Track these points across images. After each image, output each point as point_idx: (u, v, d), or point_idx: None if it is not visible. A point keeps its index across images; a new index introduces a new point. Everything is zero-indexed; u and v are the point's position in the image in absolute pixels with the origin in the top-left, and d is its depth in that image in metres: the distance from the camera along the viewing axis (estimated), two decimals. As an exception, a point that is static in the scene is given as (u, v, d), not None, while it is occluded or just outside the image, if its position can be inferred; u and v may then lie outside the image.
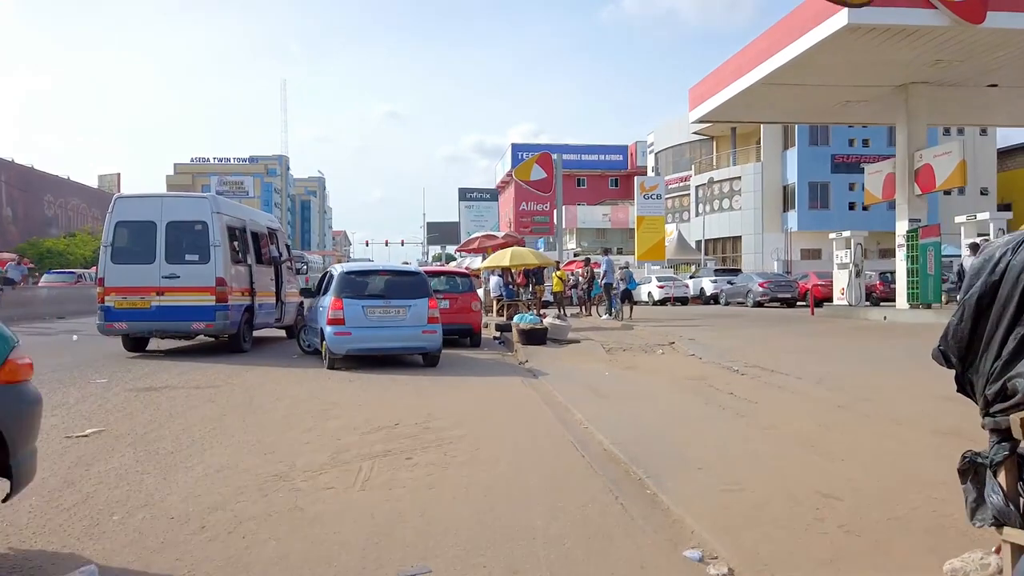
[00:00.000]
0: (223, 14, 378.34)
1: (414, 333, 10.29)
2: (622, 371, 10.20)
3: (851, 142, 45.07)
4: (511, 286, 17.79)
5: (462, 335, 13.84)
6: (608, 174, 72.06)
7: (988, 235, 16.56)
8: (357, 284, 10.45)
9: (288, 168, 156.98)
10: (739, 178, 47.39)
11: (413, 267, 11.41)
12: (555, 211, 37.70)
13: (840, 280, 20.36)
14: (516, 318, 13.22)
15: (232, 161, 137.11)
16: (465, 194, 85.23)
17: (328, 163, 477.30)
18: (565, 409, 7.28)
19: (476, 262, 25.24)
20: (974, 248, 13.00)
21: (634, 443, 5.59)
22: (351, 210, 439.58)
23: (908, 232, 17.52)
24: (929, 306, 17.33)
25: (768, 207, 45.97)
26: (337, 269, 10.78)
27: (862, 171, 45.45)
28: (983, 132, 44.76)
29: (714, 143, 52.66)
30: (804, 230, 44.11)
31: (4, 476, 3.19)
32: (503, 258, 16.43)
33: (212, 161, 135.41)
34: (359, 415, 6.78)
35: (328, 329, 10.04)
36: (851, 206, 44.62)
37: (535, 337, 12.66)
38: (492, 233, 25.24)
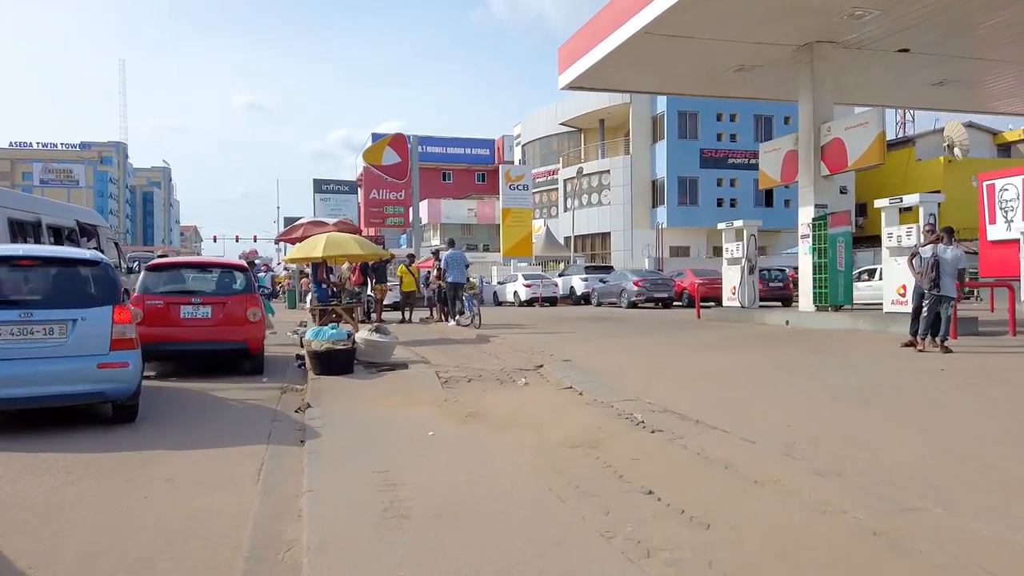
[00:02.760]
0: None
1: (82, 368, 5.66)
2: (459, 428, 6.12)
3: (719, 136, 43.82)
4: (327, 285, 13.30)
5: (234, 356, 9.28)
6: (475, 168, 68.65)
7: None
8: (-35, 281, 5.67)
9: (127, 156, 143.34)
10: (608, 172, 45.00)
11: (91, 253, 6.67)
12: (412, 201, 33.48)
13: (731, 277, 17.44)
14: (309, 333, 8.81)
15: (60, 147, 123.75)
16: (320, 186, 78.09)
17: (184, 156, 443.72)
18: (288, 580, 3.07)
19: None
20: (950, 233, 9.99)
21: None
22: (209, 205, 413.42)
23: (814, 220, 14.69)
24: (838, 308, 14.59)
25: (637, 202, 43.86)
26: (-67, 254, 5.93)
27: (730, 166, 45.00)
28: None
29: (582, 135, 50.18)
30: (673, 226, 42.33)
31: None
32: (313, 247, 11.92)
33: (35, 146, 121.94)
34: None
35: (-102, 367, 5.25)
36: (719, 202, 43.38)
37: (335, 363, 8.31)
38: (321, 219, 20.52)
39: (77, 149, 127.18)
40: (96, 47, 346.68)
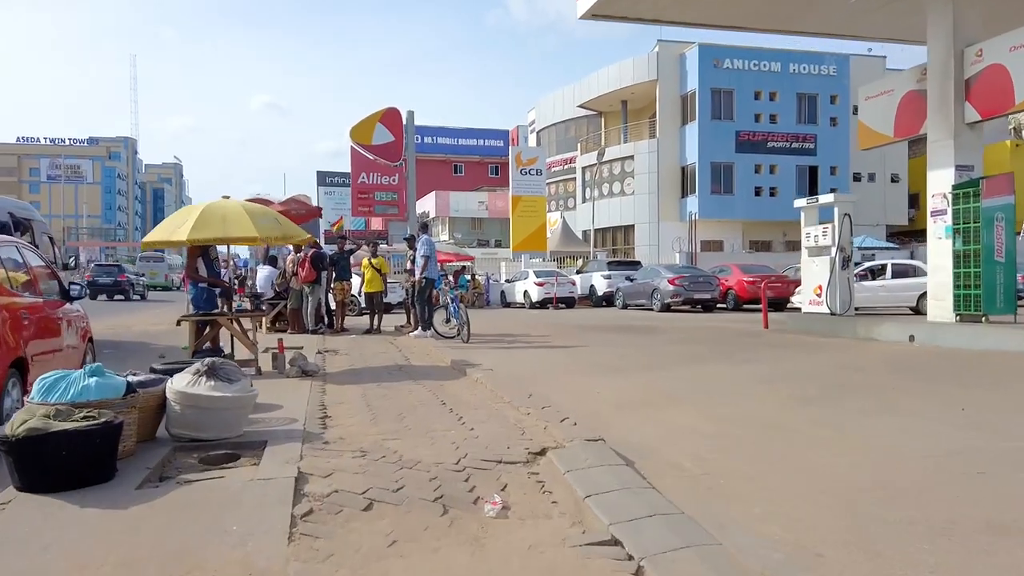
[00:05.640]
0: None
1: None
2: None
3: (757, 118, 38.80)
4: (205, 284, 8.53)
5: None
6: (488, 161, 64.07)
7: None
8: None
9: (136, 152, 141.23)
10: (631, 157, 40.13)
11: None
12: (407, 187, 28.74)
13: (815, 273, 12.67)
14: (36, 390, 4.11)
15: (67, 142, 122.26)
16: (325, 178, 74.06)
17: (203, 156, 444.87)
18: None
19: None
20: None
21: None
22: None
23: (955, 189, 9.93)
24: (987, 318, 9.81)
25: (665, 191, 38.98)
26: None
27: (769, 151, 39.89)
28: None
29: (603, 119, 45.35)
30: (705, 218, 37.43)
31: None
32: (179, 225, 7.26)
33: (43, 141, 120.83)
34: None
35: None
36: (757, 191, 38.50)
37: (54, 463, 3.27)
38: (263, 197, 15.99)
39: (85, 144, 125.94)
40: (115, 46, 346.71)
